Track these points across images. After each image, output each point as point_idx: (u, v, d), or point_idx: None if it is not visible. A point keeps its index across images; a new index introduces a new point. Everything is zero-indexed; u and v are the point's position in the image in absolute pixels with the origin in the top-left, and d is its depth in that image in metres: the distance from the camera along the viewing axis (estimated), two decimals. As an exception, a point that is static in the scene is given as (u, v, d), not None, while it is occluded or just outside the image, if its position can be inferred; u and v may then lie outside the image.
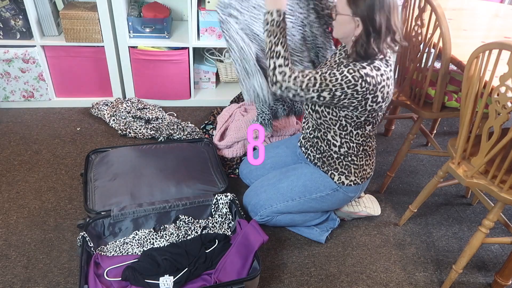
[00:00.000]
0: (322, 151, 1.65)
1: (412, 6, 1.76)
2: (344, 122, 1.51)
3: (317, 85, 1.39)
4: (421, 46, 1.72)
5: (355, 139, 1.56)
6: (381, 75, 1.38)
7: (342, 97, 1.39)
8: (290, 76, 1.41)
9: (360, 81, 1.36)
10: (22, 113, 2.49)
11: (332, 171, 1.64)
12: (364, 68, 1.37)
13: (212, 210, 1.77)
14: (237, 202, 1.74)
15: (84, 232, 1.53)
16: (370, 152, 1.64)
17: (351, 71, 1.36)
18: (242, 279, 1.45)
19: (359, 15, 1.34)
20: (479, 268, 1.75)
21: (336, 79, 1.37)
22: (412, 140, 1.94)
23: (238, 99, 2.67)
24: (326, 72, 1.39)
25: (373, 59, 1.40)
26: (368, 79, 1.36)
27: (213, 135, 2.35)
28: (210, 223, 1.73)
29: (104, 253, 1.57)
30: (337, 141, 1.58)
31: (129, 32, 2.43)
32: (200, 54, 2.78)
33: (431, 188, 1.75)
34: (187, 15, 2.78)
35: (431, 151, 2.01)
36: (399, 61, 1.95)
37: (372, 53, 1.38)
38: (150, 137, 2.33)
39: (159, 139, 2.32)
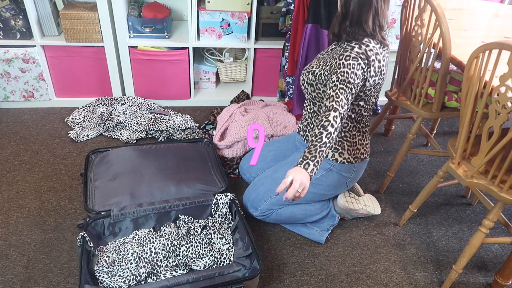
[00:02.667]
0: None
1: (412, 6, 1.76)
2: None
3: (347, 90, 1.43)
4: (421, 46, 1.72)
5: (350, 112, 1.60)
6: (370, 50, 1.46)
7: (361, 77, 1.47)
8: (341, 119, 1.42)
9: (361, 59, 1.45)
10: (22, 113, 2.49)
11: None
12: (353, 48, 1.46)
13: (212, 210, 1.77)
14: (237, 202, 1.74)
15: (84, 232, 1.53)
16: (363, 131, 1.67)
17: (347, 57, 1.44)
18: (242, 279, 1.45)
19: (342, 2, 1.47)
20: (479, 268, 1.75)
21: (351, 73, 1.44)
22: (412, 140, 1.94)
23: (238, 99, 2.67)
24: (337, 77, 1.45)
25: (361, 38, 1.48)
26: (362, 55, 1.45)
27: (213, 135, 2.35)
28: (210, 222, 1.73)
29: (104, 253, 1.57)
30: None
31: (129, 32, 2.43)
32: (200, 54, 2.78)
33: (431, 188, 1.75)
34: (187, 15, 2.78)
35: (431, 151, 2.01)
36: (399, 61, 1.95)
37: (350, 39, 1.49)
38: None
39: (159, 139, 2.32)
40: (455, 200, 2.10)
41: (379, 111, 2.70)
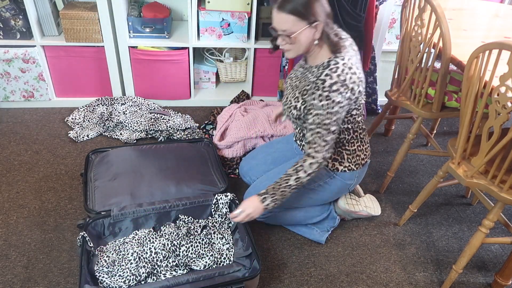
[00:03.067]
0: None
1: (412, 6, 1.76)
2: None
3: (325, 133, 1.41)
4: (421, 46, 1.72)
5: (343, 127, 1.56)
6: (342, 71, 1.37)
7: (341, 118, 1.44)
8: (320, 165, 1.45)
9: (333, 97, 1.37)
10: (22, 113, 2.49)
11: None
12: (324, 81, 1.37)
13: (212, 210, 1.77)
14: (237, 202, 1.74)
15: (84, 232, 1.53)
16: (361, 137, 1.63)
17: (320, 98, 1.37)
18: (242, 279, 1.45)
19: (317, 18, 1.34)
20: (479, 268, 1.75)
21: (327, 114, 1.39)
22: (412, 140, 1.94)
23: (238, 99, 2.67)
24: (313, 119, 1.41)
25: (337, 52, 1.41)
26: (335, 87, 1.36)
27: (213, 135, 2.35)
28: (210, 223, 1.73)
29: (104, 253, 1.57)
30: None
31: (129, 32, 2.43)
32: (200, 54, 2.78)
33: (431, 188, 1.75)
34: (187, 15, 2.78)
35: (431, 151, 2.01)
36: (399, 61, 1.95)
37: (338, 42, 1.41)
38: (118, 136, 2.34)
39: (159, 139, 2.32)
40: (455, 200, 2.10)
41: (379, 111, 2.70)
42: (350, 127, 1.57)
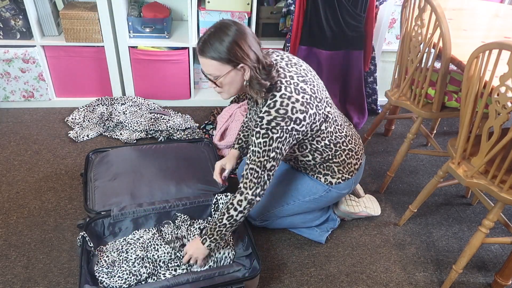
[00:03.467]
0: (302, 166, 1.65)
1: (412, 6, 1.76)
2: (297, 145, 1.50)
3: (259, 170, 1.37)
4: (421, 46, 1.72)
5: (321, 146, 1.52)
6: (281, 103, 1.32)
7: (284, 150, 1.38)
8: (250, 202, 1.41)
9: (272, 133, 1.33)
10: (22, 113, 2.49)
11: (317, 175, 1.63)
12: (262, 119, 1.33)
13: (212, 210, 1.77)
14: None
15: (84, 232, 1.52)
16: (345, 145, 1.58)
17: (257, 134, 1.34)
18: (242, 279, 1.45)
19: (241, 61, 1.29)
20: (479, 268, 1.75)
21: (263, 152, 1.35)
22: (412, 140, 1.94)
23: (238, 99, 2.67)
24: (250, 155, 1.38)
25: (271, 89, 1.35)
26: (274, 123, 1.32)
27: (213, 135, 2.35)
28: (208, 224, 1.72)
29: (104, 253, 1.57)
30: (308, 156, 1.56)
31: (129, 32, 2.43)
32: (200, 54, 2.78)
33: (431, 188, 1.75)
34: (187, 15, 2.78)
35: (431, 151, 2.01)
36: (399, 61, 1.95)
37: (272, 80, 1.34)
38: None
39: (159, 139, 2.32)
40: (455, 200, 2.10)
41: (379, 111, 2.70)
42: (327, 143, 1.52)
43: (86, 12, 2.29)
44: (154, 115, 2.44)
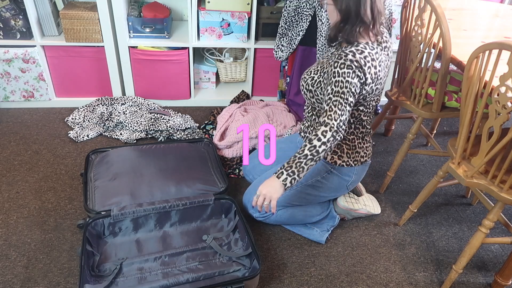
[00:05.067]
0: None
1: (412, 6, 1.76)
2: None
3: (342, 101, 1.41)
4: (421, 46, 1.72)
5: (355, 114, 1.57)
6: (365, 57, 1.42)
7: (356, 91, 1.43)
8: (334, 133, 1.41)
9: (354, 68, 1.40)
10: (22, 113, 2.49)
11: None
12: (347, 54, 1.41)
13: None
14: (236, 204, 1.75)
15: (85, 232, 1.52)
16: (362, 135, 1.65)
17: (342, 65, 1.41)
18: (242, 279, 1.45)
19: (338, 7, 1.43)
20: (479, 268, 1.75)
21: (346, 82, 1.41)
22: (412, 140, 1.94)
23: (238, 99, 2.67)
24: (331, 88, 1.43)
25: (357, 43, 1.45)
26: (358, 63, 1.41)
27: (213, 135, 2.35)
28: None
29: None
30: None
31: (129, 32, 2.43)
32: (200, 54, 2.78)
33: (431, 188, 1.75)
34: (187, 15, 2.78)
35: (431, 151, 2.01)
36: (399, 61, 1.95)
37: (349, 40, 1.45)
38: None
39: (159, 139, 2.32)
40: (455, 200, 2.10)
41: (379, 111, 2.70)
42: (352, 121, 1.59)
43: (86, 12, 2.29)
44: (154, 115, 2.44)
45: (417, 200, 1.82)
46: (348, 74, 1.40)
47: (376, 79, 1.47)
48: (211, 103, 2.71)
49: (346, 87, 1.40)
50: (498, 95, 1.28)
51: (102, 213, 1.66)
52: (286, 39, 2.27)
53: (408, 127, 2.65)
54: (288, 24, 2.22)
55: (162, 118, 2.42)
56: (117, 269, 1.51)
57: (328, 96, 1.43)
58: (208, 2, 2.36)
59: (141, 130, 2.33)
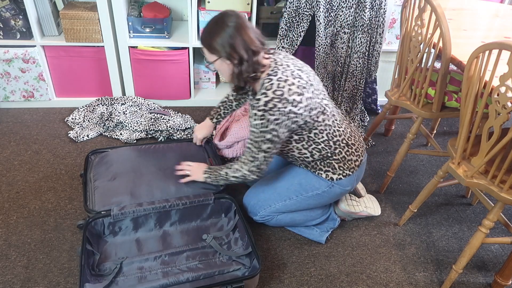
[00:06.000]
0: (302, 163, 1.66)
1: (412, 6, 1.76)
2: (295, 137, 1.52)
3: (259, 148, 1.46)
4: (421, 46, 1.72)
5: (318, 139, 1.54)
6: (278, 85, 1.39)
7: (281, 133, 1.43)
8: (243, 173, 1.54)
9: (268, 115, 1.38)
10: (22, 113, 2.49)
11: (318, 171, 1.64)
12: (259, 101, 1.38)
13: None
14: (236, 205, 1.75)
15: (85, 232, 1.52)
16: (344, 142, 1.59)
17: (260, 118, 1.39)
18: (242, 278, 1.45)
19: (221, 55, 1.41)
20: (479, 268, 1.75)
21: (260, 132, 1.42)
22: (412, 140, 1.94)
23: (238, 99, 2.67)
24: (252, 138, 1.47)
25: (263, 80, 1.43)
26: (271, 105, 1.37)
27: (213, 135, 2.35)
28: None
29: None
30: (306, 153, 1.58)
31: (129, 32, 2.43)
32: (200, 54, 2.78)
33: (431, 188, 1.75)
34: (187, 15, 2.78)
35: (431, 151, 2.01)
36: (399, 61, 1.95)
37: (253, 76, 1.44)
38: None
39: (159, 139, 2.32)
40: (455, 200, 2.10)
41: (379, 111, 2.70)
42: (325, 138, 1.54)
43: (86, 12, 2.29)
44: (154, 115, 2.44)
45: (417, 200, 1.82)
46: (261, 125, 1.40)
47: (305, 89, 1.42)
48: (211, 103, 2.71)
49: (260, 137, 1.44)
50: (498, 95, 1.28)
51: (102, 213, 1.66)
52: (287, 40, 2.27)
53: (408, 127, 2.65)
54: (288, 25, 2.22)
55: (162, 118, 2.42)
56: (117, 268, 1.51)
57: (247, 140, 1.49)
58: (208, 2, 2.36)
59: (141, 130, 2.33)
